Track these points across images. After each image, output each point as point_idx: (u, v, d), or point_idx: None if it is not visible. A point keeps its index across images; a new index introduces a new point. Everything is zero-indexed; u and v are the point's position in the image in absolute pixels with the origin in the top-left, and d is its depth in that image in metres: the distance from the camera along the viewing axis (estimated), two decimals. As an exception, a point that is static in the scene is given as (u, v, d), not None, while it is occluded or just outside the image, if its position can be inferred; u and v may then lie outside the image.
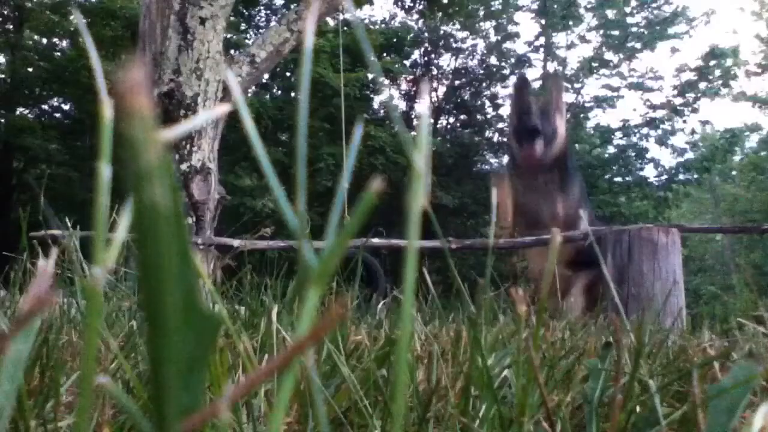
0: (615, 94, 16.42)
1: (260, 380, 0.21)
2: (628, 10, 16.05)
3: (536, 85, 17.09)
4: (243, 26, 15.14)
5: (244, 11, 15.05)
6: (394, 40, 15.60)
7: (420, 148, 0.25)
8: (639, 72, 16.40)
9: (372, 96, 14.57)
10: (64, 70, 12.37)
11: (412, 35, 16.48)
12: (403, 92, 16.81)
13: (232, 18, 11.33)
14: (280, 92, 14.60)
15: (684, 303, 3.43)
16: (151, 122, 0.19)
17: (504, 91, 17.55)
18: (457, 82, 17.41)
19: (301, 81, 0.26)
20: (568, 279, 4.60)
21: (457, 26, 17.09)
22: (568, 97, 17.00)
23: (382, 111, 15.40)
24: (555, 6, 16.19)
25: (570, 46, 17.07)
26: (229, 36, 12.28)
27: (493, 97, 17.42)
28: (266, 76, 11.64)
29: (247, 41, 12.28)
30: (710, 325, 1.75)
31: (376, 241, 4.29)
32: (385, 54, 15.39)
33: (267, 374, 0.21)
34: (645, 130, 15.97)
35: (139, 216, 0.19)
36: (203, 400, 0.21)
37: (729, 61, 14.97)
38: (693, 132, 16.34)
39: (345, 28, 9.53)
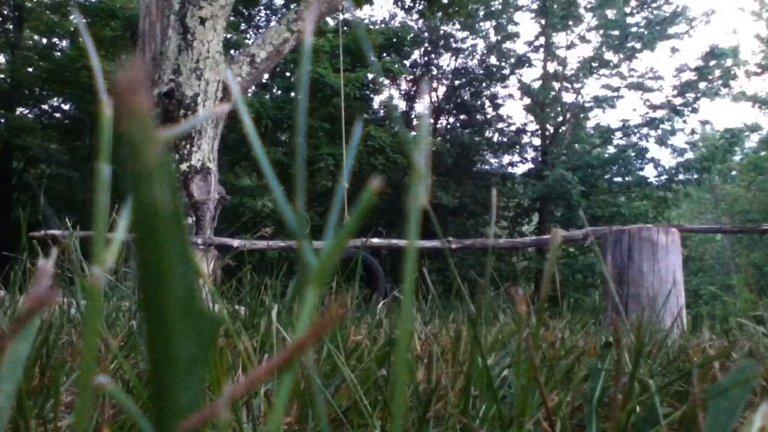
0: (615, 94, 16.43)
1: (260, 380, 0.21)
2: (628, 10, 16.06)
3: (536, 84, 17.11)
4: (243, 26, 15.15)
5: (244, 11, 15.07)
6: (394, 40, 15.61)
7: (420, 148, 0.25)
8: (639, 72, 16.42)
9: (372, 96, 14.58)
10: (64, 70, 12.38)
11: (412, 35, 16.49)
12: (403, 92, 16.82)
13: (232, 18, 11.33)
14: (279, 92, 14.62)
15: (684, 303, 3.42)
16: (151, 122, 0.19)
17: (504, 91, 17.53)
18: (457, 82, 17.42)
19: (300, 81, 0.26)
20: None
21: (457, 26, 17.10)
22: (568, 97, 17.03)
23: (382, 111, 15.42)
24: (555, 6, 16.20)
25: (570, 46, 17.07)
26: (229, 36, 12.28)
27: (493, 97, 17.42)
28: (266, 76, 11.64)
29: (247, 41, 12.28)
30: (710, 325, 1.75)
31: (376, 241, 4.29)
32: (385, 54, 15.39)
33: (267, 374, 0.21)
34: (645, 130, 15.99)
35: (139, 216, 0.19)
36: (203, 400, 0.21)
37: (729, 61, 14.98)
38: (693, 132, 16.37)
39: (345, 28, 9.53)
